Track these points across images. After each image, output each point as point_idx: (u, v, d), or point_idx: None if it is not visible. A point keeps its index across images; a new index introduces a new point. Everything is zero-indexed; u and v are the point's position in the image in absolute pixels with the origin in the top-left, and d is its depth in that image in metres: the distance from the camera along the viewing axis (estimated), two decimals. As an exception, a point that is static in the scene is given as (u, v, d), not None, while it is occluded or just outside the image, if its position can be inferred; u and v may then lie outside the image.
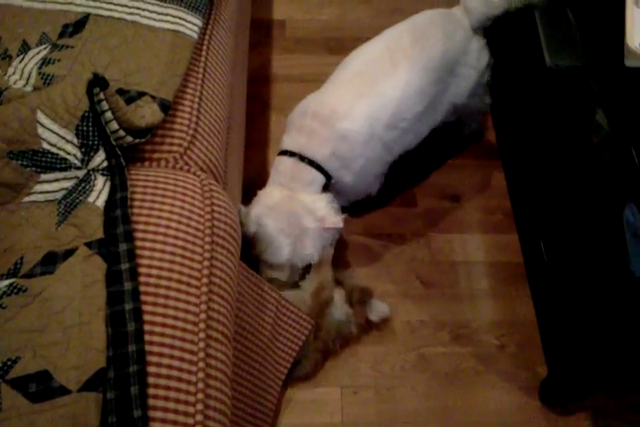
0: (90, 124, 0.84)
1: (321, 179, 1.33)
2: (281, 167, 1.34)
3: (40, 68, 0.96)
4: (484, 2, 1.43)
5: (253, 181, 1.68)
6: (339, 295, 1.39)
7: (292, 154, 1.32)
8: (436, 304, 1.54)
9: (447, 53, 1.40)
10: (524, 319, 1.53)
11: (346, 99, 1.33)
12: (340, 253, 1.58)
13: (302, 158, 1.31)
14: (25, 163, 0.85)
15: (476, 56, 1.47)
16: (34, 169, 0.86)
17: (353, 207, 1.60)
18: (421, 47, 1.37)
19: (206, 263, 0.87)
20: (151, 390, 0.75)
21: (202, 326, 0.82)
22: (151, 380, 0.75)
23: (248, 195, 1.58)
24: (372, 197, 1.58)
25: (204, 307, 0.84)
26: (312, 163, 1.31)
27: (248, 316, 1.10)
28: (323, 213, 1.28)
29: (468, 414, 1.39)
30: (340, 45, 1.99)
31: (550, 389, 1.39)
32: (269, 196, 1.32)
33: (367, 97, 1.32)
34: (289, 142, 1.35)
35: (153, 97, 0.94)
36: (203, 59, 1.10)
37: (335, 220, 1.29)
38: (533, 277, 1.58)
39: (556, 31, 1.47)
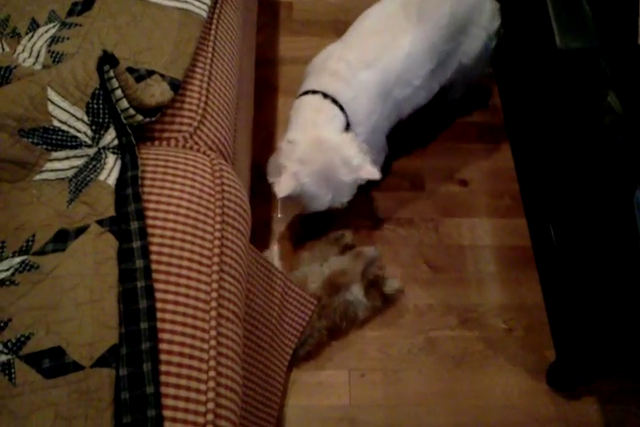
0: (100, 101, 0.83)
1: (342, 117, 1.30)
2: (303, 105, 1.31)
3: (49, 46, 0.95)
4: None
5: (261, 163, 1.68)
6: (358, 287, 1.39)
7: (314, 92, 1.30)
8: (444, 288, 1.54)
9: (459, 10, 1.40)
10: (531, 303, 1.53)
11: (370, 49, 1.34)
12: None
13: (325, 96, 1.29)
14: (35, 140, 0.85)
15: (489, 17, 1.48)
16: (44, 147, 0.85)
17: (360, 190, 1.60)
18: (433, 3, 1.37)
19: (217, 242, 0.87)
20: (163, 367, 0.75)
21: (213, 304, 0.82)
22: (163, 357, 0.76)
23: (255, 176, 1.58)
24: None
25: (215, 286, 0.84)
26: (335, 102, 1.29)
27: (257, 296, 1.11)
28: (357, 161, 1.25)
29: (475, 398, 1.39)
30: (348, 28, 1.97)
31: (558, 373, 1.39)
32: (297, 145, 1.25)
33: (388, 51, 1.33)
34: (309, 84, 1.33)
35: (162, 76, 0.93)
36: (212, 38, 1.09)
37: (371, 170, 1.26)
38: (541, 261, 1.58)
39: (567, 12, 1.46)
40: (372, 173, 1.27)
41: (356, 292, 1.38)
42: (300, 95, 1.33)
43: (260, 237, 1.56)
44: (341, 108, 1.30)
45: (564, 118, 1.51)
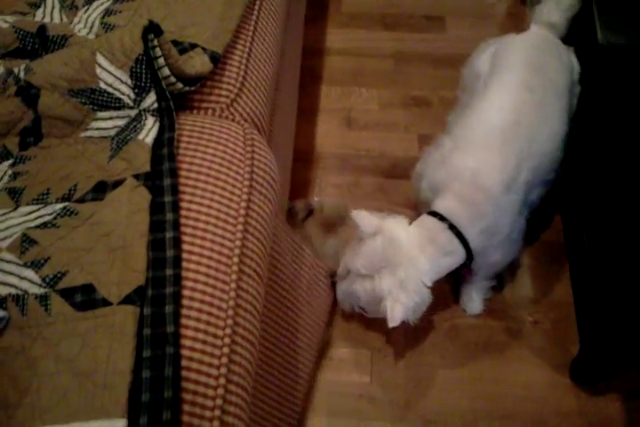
0: (143, 66, 0.90)
1: (462, 254, 1.22)
2: (425, 226, 1.22)
3: (102, 18, 1.04)
4: (560, 12, 1.41)
5: (303, 150, 1.75)
6: None
7: (442, 218, 1.21)
8: (473, 277, 1.55)
9: (568, 80, 1.36)
10: (560, 299, 1.53)
11: (509, 165, 1.20)
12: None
13: (452, 227, 1.20)
14: (83, 100, 0.93)
15: (578, 70, 1.43)
16: (91, 107, 0.93)
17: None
18: (552, 88, 1.30)
19: (243, 204, 0.92)
20: (184, 311, 0.81)
21: (235, 260, 0.88)
22: (185, 302, 0.81)
23: (297, 162, 1.64)
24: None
25: (238, 243, 0.89)
26: (460, 236, 1.20)
27: (285, 267, 1.15)
28: (397, 296, 1.16)
29: (496, 385, 1.41)
30: (395, 21, 2.02)
31: (581, 367, 1.39)
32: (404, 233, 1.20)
33: (528, 160, 1.23)
34: (443, 205, 1.23)
35: (204, 49, 1.00)
36: (254, 17, 1.15)
37: (395, 313, 1.15)
38: (573, 258, 1.57)
39: (609, 7, 1.46)
40: (392, 316, 1.15)
41: None
42: (430, 213, 1.24)
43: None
44: (466, 243, 1.21)
45: (605, 115, 1.51)
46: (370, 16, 2.04)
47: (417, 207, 1.54)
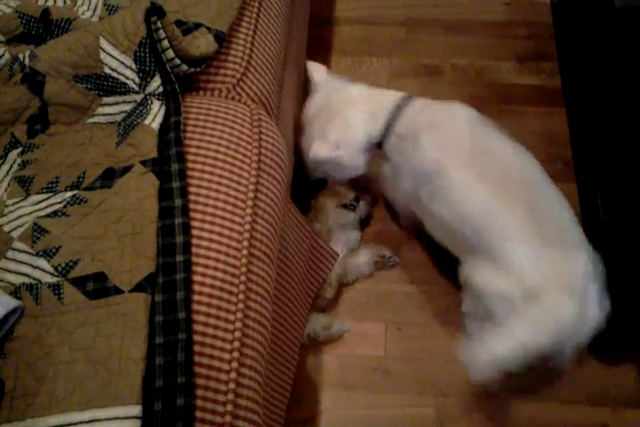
0: (147, 50, 0.89)
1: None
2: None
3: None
4: None
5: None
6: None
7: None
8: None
9: None
10: (576, 270, 1.52)
11: None
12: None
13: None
14: (89, 86, 0.92)
15: None
16: (96, 92, 0.93)
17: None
18: None
19: (252, 187, 0.92)
20: (195, 297, 0.82)
21: (245, 243, 0.88)
22: (196, 288, 0.82)
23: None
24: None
25: (247, 227, 0.89)
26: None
27: (289, 244, 1.15)
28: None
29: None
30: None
31: (594, 337, 1.39)
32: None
33: None
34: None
35: (209, 28, 0.98)
36: (259, -8, 1.13)
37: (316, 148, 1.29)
38: (589, 229, 1.56)
39: (625, -30, 1.41)
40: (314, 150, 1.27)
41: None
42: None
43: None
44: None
45: (623, 81, 1.47)
46: (380, -17, 1.98)
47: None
